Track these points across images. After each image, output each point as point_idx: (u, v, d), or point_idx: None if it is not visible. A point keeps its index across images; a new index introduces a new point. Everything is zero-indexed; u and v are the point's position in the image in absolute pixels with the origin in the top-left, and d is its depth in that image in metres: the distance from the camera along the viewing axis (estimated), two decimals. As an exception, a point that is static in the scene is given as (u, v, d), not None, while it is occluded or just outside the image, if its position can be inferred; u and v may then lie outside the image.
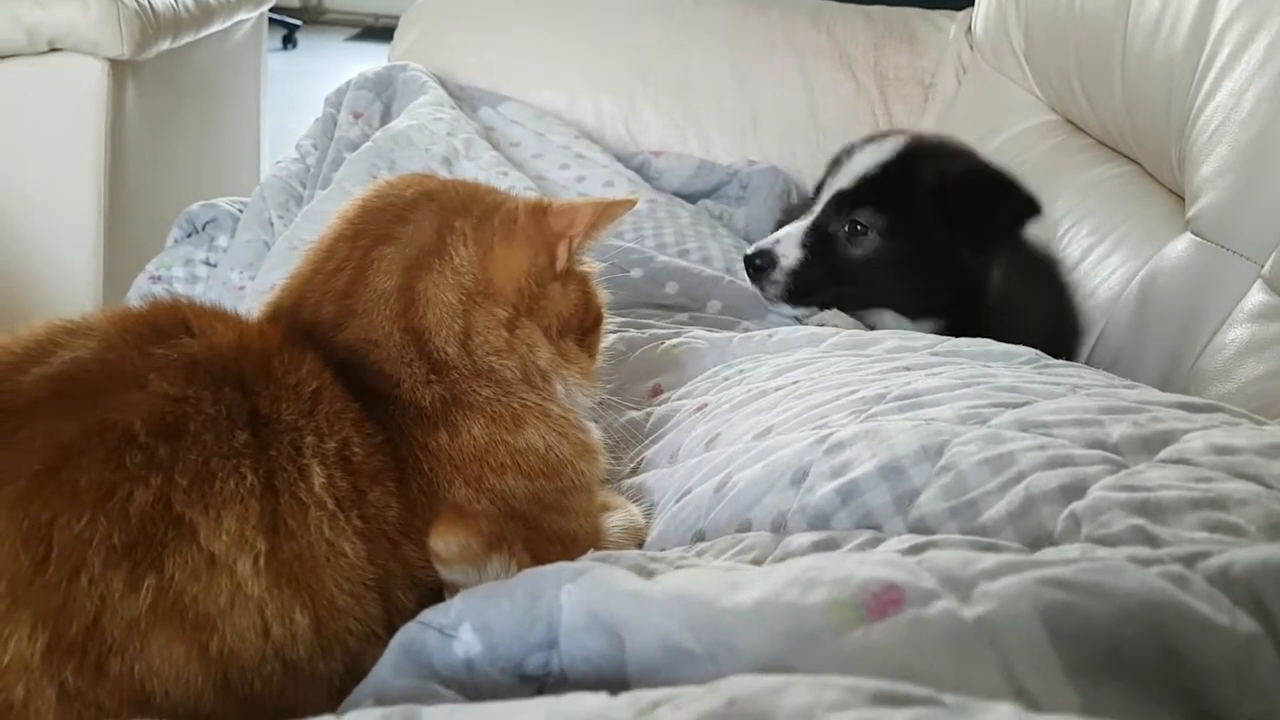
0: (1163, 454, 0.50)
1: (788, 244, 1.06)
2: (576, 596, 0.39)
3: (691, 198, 1.50)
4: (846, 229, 1.04)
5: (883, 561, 0.33)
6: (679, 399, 0.87)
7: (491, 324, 0.63)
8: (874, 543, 0.53)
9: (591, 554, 0.50)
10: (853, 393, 0.69)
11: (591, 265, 0.74)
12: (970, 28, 1.60)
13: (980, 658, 0.29)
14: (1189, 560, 0.32)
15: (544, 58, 1.66)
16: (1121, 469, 0.49)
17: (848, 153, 1.09)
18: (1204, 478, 0.46)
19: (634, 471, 0.79)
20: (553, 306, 0.67)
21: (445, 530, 0.58)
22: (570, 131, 1.51)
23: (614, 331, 0.97)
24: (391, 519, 0.56)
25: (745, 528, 0.62)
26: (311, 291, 0.64)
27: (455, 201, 0.68)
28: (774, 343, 0.92)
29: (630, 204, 0.73)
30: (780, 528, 0.59)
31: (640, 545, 0.69)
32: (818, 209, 1.07)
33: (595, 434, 0.69)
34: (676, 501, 0.70)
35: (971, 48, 1.59)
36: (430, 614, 0.48)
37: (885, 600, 0.31)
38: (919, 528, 0.52)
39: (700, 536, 0.64)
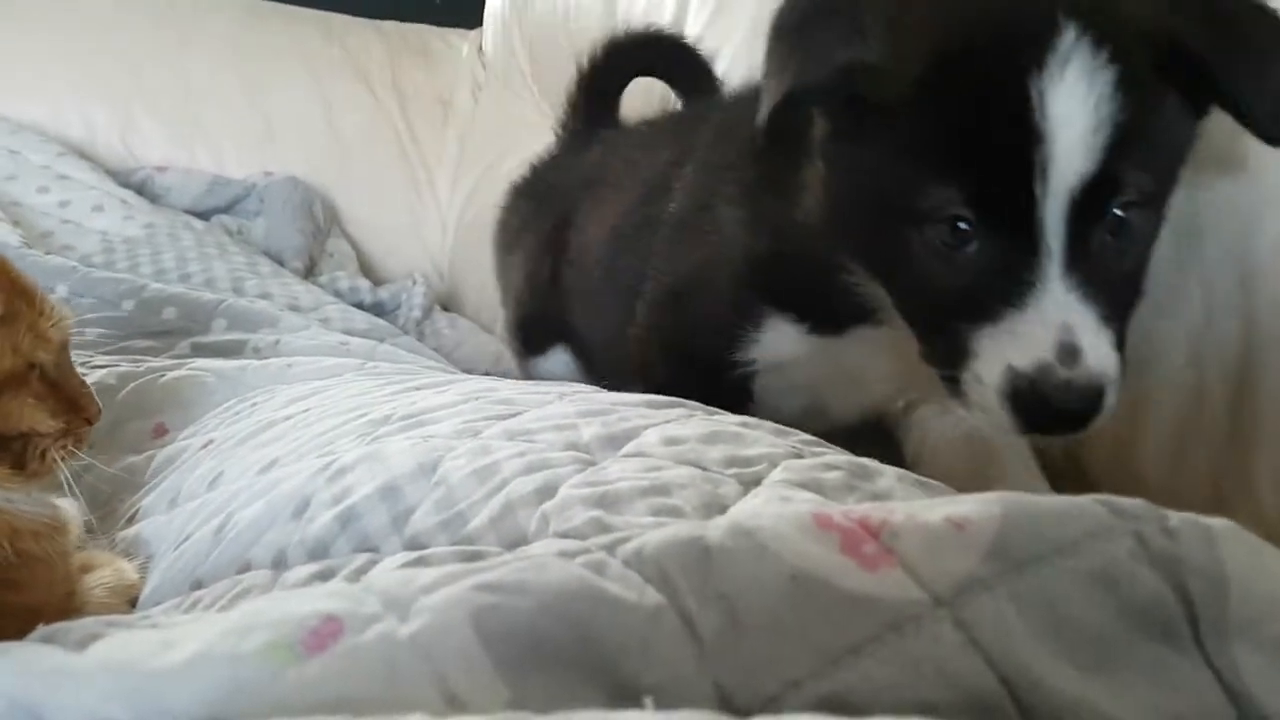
0: (625, 449, 0.55)
1: (1095, 344, 0.55)
2: (-8, 683, 0.35)
3: (205, 214, 1.41)
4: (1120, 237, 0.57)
5: (325, 593, 0.33)
6: (186, 438, 0.81)
7: None
8: (370, 565, 0.53)
9: (41, 628, 0.45)
10: (361, 416, 0.68)
11: None
12: (480, 48, 1.66)
13: (414, 673, 0.30)
14: (611, 547, 0.36)
15: (21, 63, 1.47)
16: (589, 466, 0.53)
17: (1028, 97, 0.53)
18: (654, 467, 0.52)
19: (130, 522, 0.73)
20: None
21: None
22: (52, 149, 1.35)
23: (103, 367, 0.89)
24: None
25: (245, 568, 0.59)
26: None
27: None
28: (293, 373, 0.89)
29: None
30: (280, 564, 0.57)
31: (134, 604, 0.64)
32: (1056, 248, 0.54)
33: (61, 506, 0.62)
34: (175, 549, 0.65)
35: (484, 67, 1.65)
36: None
37: (323, 634, 0.31)
38: (413, 544, 0.53)
39: (198, 584, 0.61)
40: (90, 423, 0.65)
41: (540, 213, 1.01)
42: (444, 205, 1.64)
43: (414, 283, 1.44)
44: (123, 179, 1.39)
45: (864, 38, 0.56)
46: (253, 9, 1.63)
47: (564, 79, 1.43)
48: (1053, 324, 0.54)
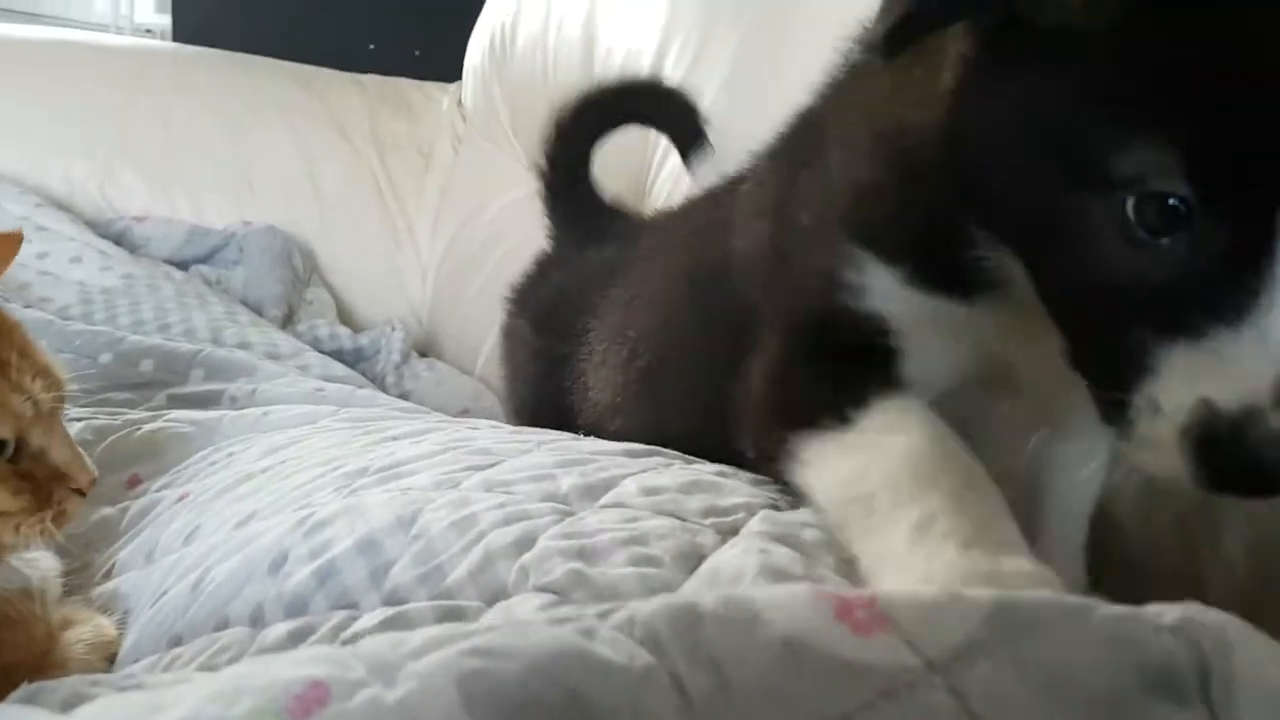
0: (603, 499, 0.55)
1: None
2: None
3: (184, 264, 1.41)
4: None
5: (311, 658, 0.33)
6: (160, 490, 0.81)
7: None
8: (349, 622, 0.52)
9: (24, 687, 0.45)
10: (337, 469, 0.68)
11: None
12: (461, 100, 1.68)
13: (396, 738, 0.30)
14: (602, 614, 0.36)
15: (6, 115, 1.48)
16: (568, 517, 0.53)
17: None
18: (633, 517, 0.52)
19: (107, 576, 0.72)
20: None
21: None
22: (31, 200, 1.35)
23: (80, 420, 0.88)
24: None
25: (223, 625, 0.59)
26: None
27: None
28: (269, 421, 0.89)
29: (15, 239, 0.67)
30: (258, 620, 0.57)
31: (113, 660, 0.63)
32: None
33: (40, 562, 0.62)
34: (153, 605, 0.65)
35: (464, 119, 1.67)
36: None
37: (309, 700, 0.31)
38: (393, 599, 0.53)
39: (177, 641, 0.60)
40: (82, 494, 0.64)
41: (550, 323, 0.90)
42: (424, 254, 1.64)
43: (393, 329, 1.45)
44: (102, 230, 1.39)
45: None
46: (235, 62, 1.65)
47: (542, 130, 1.45)
48: (1278, 355, 0.40)
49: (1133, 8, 0.41)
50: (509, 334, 0.99)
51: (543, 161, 1.03)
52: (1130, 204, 0.41)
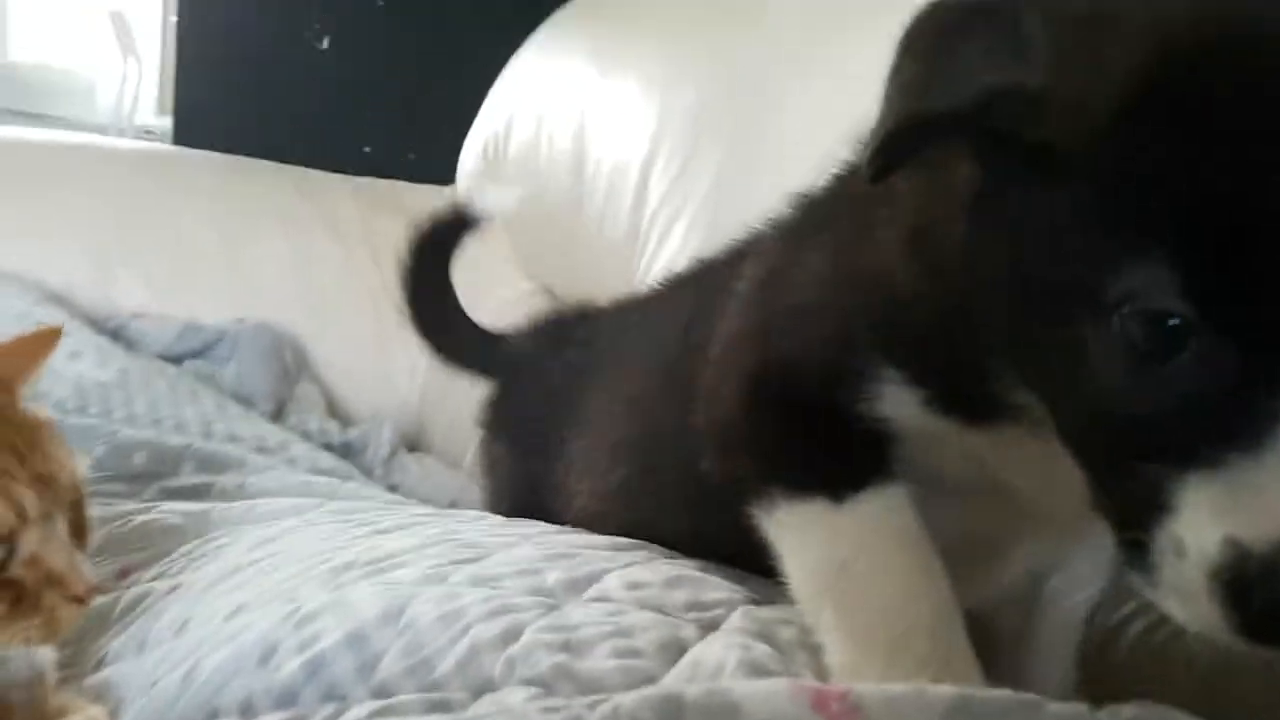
0: (588, 593, 0.57)
1: None
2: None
3: (178, 359, 1.44)
4: None
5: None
6: (150, 580, 0.82)
7: None
8: (338, 714, 0.54)
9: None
10: (325, 561, 0.70)
11: None
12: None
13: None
14: (590, 706, 0.37)
15: (10, 215, 1.52)
16: (553, 610, 0.55)
17: None
18: (617, 611, 0.54)
19: (99, 666, 0.73)
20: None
21: None
22: (31, 295, 1.39)
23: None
24: None
25: (214, 715, 0.59)
26: None
27: None
28: (257, 513, 0.91)
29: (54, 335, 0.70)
30: (249, 711, 0.58)
31: (105, 751, 0.64)
32: None
33: (35, 653, 0.63)
34: (145, 695, 0.65)
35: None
36: None
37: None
38: (381, 692, 0.54)
39: (167, 732, 0.61)
40: (81, 601, 0.65)
41: (525, 439, 0.91)
42: (413, 350, 1.67)
43: (381, 424, 1.47)
44: (99, 325, 1.42)
45: (1024, 55, 0.40)
46: (233, 165, 1.70)
47: (534, 232, 1.50)
48: None
49: (1111, 125, 0.38)
50: (486, 452, 1.00)
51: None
52: (1127, 324, 0.38)
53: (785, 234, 0.63)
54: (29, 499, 0.65)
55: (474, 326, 1.06)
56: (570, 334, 0.93)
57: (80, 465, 0.69)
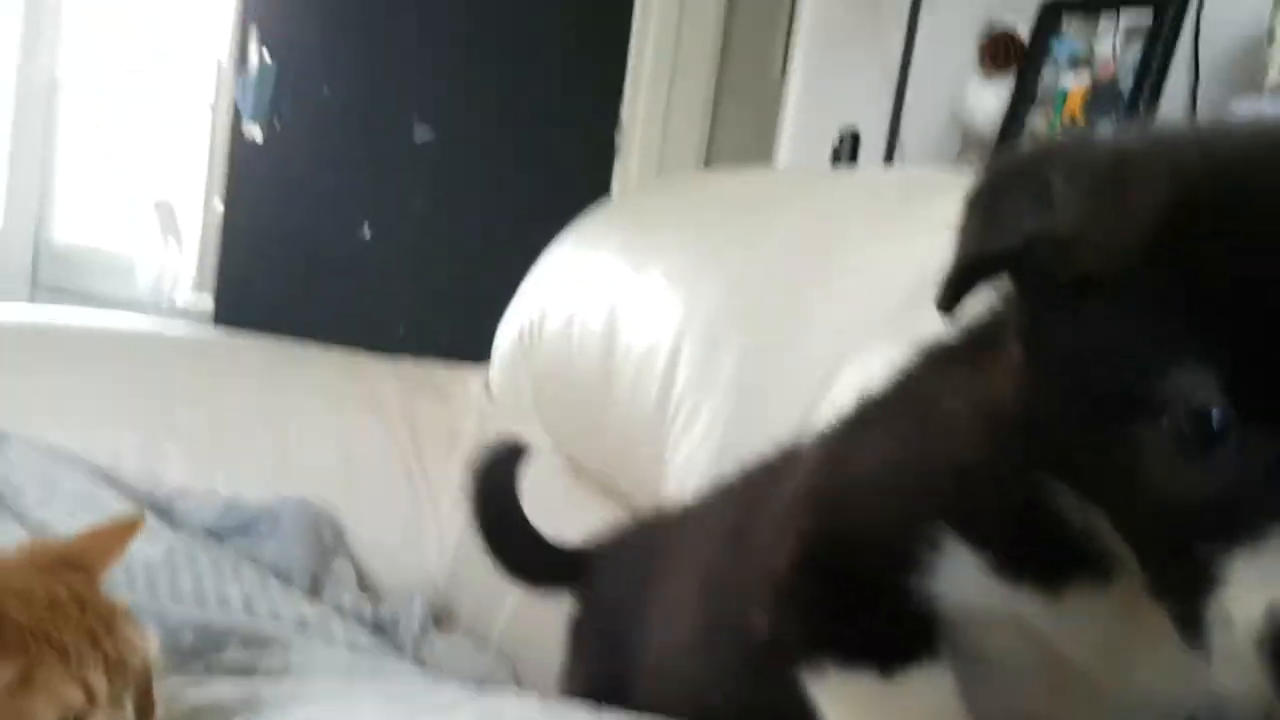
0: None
1: None
2: None
3: (221, 536, 1.49)
4: None
5: None
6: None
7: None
8: None
9: None
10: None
11: None
12: (487, 384, 1.81)
13: None
14: None
15: (62, 391, 1.60)
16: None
17: None
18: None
19: None
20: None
21: None
22: (82, 473, 1.45)
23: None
24: None
25: None
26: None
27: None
28: (302, 692, 0.93)
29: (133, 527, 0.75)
30: None
31: None
32: None
33: None
34: None
35: (492, 400, 1.79)
36: None
37: None
38: None
39: None
40: None
41: (607, 659, 0.92)
42: (445, 526, 1.72)
43: (412, 599, 1.50)
44: (146, 501, 1.47)
45: (1050, 205, 0.47)
46: (280, 348, 1.79)
47: (565, 412, 1.56)
48: None
49: (1142, 257, 0.45)
50: (569, 676, 1.00)
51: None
52: (1174, 423, 0.44)
53: (847, 422, 0.68)
54: (100, 683, 0.69)
55: (547, 544, 1.07)
56: (638, 542, 0.97)
57: (152, 646, 0.72)
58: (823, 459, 0.66)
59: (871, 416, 0.65)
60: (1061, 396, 0.49)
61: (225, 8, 3.32)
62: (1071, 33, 1.96)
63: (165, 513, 1.48)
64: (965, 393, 0.56)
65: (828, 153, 2.34)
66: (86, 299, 3.65)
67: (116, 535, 0.74)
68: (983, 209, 0.51)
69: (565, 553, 1.06)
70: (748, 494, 0.79)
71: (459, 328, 2.22)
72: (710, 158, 3.22)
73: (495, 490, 1.07)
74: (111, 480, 1.51)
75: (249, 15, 2.97)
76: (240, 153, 2.95)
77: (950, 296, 0.51)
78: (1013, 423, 0.51)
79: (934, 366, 0.62)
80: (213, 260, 3.18)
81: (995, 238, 0.49)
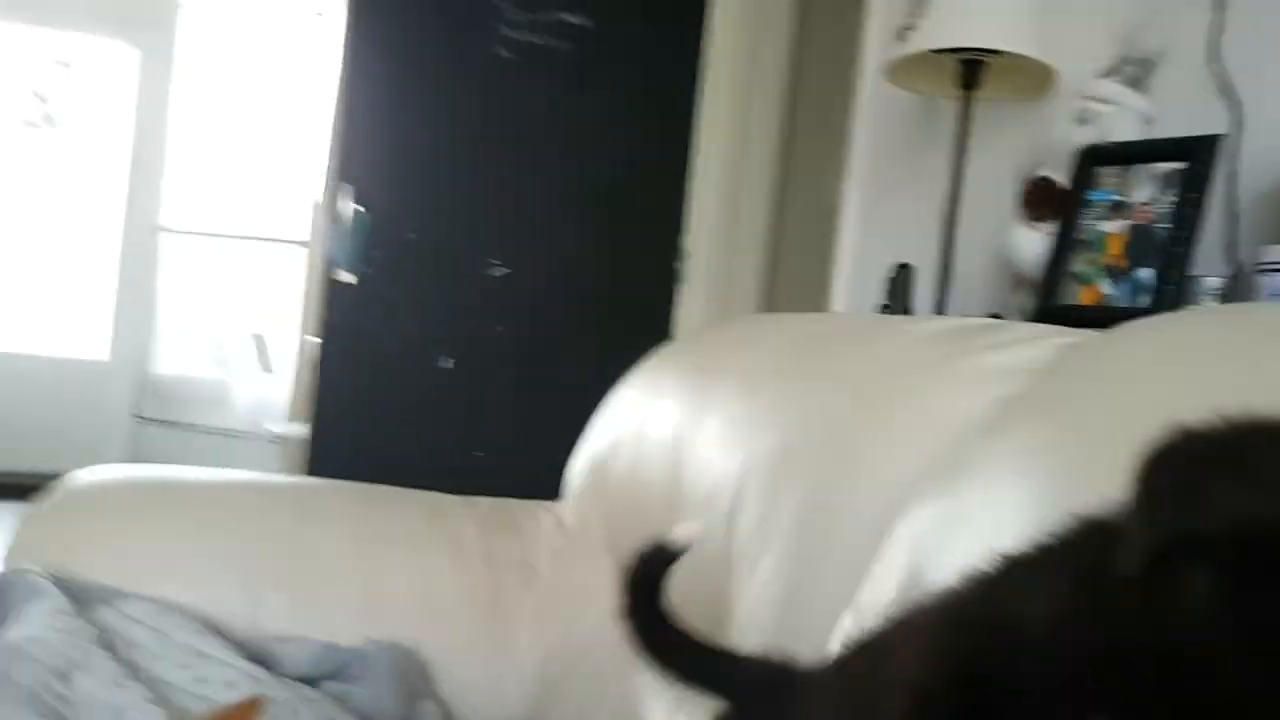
0: None
1: None
2: None
3: (316, 681, 1.57)
4: None
5: None
6: None
7: None
8: None
9: None
10: None
11: None
12: (561, 519, 1.89)
13: None
14: None
15: (173, 549, 1.73)
16: None
17: None
18: None
19: None
20: None
21: None
22: (192, 626, 1.55)
23: None
24: None
25: None
26: None
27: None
28: None
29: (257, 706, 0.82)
30: None
31: None
32: None
33: None
34: None
35: (564, 535, 1.87)
36: None
37: None
38: None
39: None
40: None
41: None
42: (522, 661, 1.78)
43: (495, 736, 1.56)
44: (249, 650, 1.57)
45: (1264, 489, 0.48)
46: (368, 493, 1.90)
47: (635, 546, 1.63)
48: None
49: None
50: None
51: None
52: None
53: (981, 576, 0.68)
54: None
55: (703, 647, 1.09)
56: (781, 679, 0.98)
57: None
58: (958, 606, 0.66)
59: (1019, 566, 0.64)
60: (1263, 674, 0.47)
61: (319, 154, 3.57)
62: (1109, 180, 2.02)
63: (266, 660, 1.57)
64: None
65: (882, 285, 2.43)
66: (186, 429, 3.86)
67: (242, 715, 0.82)
68: (1174, 482, 0.51)
69: (723, 657, 1.08)
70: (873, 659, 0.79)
71: (531, 456, 2.34)
72: (771, 297, 3.41)
73: (646, 594, 1.10)
74: (217, 629, 1.61)
75: (343, 170, 3.20)
76: (332, 291, 3.16)
77: (1150, 563, 0.50)
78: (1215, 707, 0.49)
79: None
80: (303, 390, 3.36)
81: (1198, 517, 0.49)
